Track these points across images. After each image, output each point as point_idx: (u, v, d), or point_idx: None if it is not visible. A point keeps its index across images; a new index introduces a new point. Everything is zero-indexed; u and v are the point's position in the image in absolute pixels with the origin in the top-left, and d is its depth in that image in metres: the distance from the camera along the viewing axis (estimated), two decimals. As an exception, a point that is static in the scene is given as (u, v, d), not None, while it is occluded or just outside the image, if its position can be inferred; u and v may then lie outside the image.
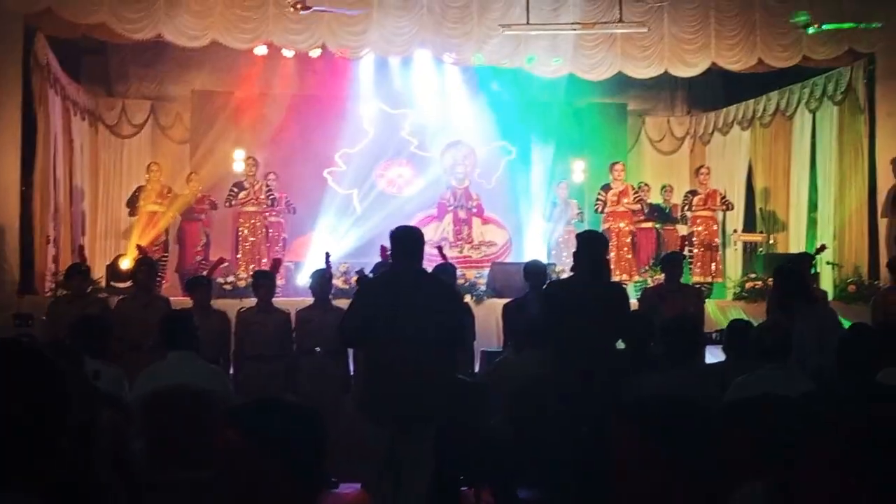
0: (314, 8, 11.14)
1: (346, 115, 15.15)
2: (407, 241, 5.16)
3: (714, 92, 16.16)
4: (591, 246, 6.34)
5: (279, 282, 10.62)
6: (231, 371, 7.92)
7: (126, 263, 11.87)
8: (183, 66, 14.60)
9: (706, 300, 11.04)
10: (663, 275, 9.12)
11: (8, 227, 11.23)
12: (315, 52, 13.16)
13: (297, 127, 15.01)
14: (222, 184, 13.59)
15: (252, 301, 8.62)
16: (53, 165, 12.23)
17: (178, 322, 5.97)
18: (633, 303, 8.48)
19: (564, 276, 11.52)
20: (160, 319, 6.24)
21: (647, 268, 13.52)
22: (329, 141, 15.02)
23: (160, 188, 13.14)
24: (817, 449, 1.86)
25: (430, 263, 11.59)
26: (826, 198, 13.18)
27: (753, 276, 12.84)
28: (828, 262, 12.43)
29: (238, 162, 13.74)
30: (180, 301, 9.49)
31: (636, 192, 13.78)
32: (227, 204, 13.09)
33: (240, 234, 13.01)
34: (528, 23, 11.81)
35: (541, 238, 14.37)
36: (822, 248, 11.85)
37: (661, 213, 13.97)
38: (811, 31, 11.69)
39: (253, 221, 12.99)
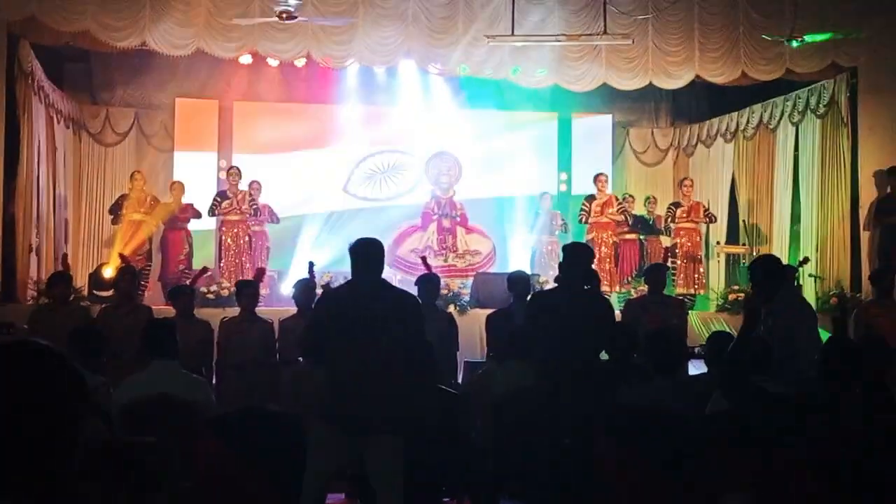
0: (300, 18, 11.12)
1: (330, 124, 15.18)
2: (365, 253, 5.13)
3: (698, 104, 16.25)
4: (577, 257, 6.35)
5: (263, 291, 10.61)
6: (214, 380, 7.90)
7: (109, 272, 11.84)
8: (167, 74, 14.53)
9: (689, 312, 11.07)
10: (647, 286, 9.15)
11: (-10, 235, 11.19)
12: (300, 62, 13.21)
13: (281, 136, 15.02)
14: (206, 193, 13.56)
15: (235, 310, 8.61)
16: (37, 173, 12.19)
17: (161, 331, 5.93)
18: (617, 314, 8.51)
19: (548, 286, 11.55)
20: (142, 328, 6.21)
21: (630, 279, 13.58)
22: (313, 150, 15.01)
23: (143, 197, 13.08)
24: (792, 456, 1.87)
25: (414, 273, 11.70)
26: (809, 210, 13.22)
27: (736, 287, 12.89)
28: (810, 275, 12.46)
29: (222, 171, 13.73)
30: (163, 310, 9.47)
31: (620, 204, 13.83)
32: (211, 213, 13.09)
33: (223, 243, 12.99)
34: (513, 34, 11.83)
35: (524, 248, 14.40)
36: (805, 260, 11.91)
37: (644, 225, 14.02)
38: (795, 44, 11.73)
39: (236, 230, 12.97)
